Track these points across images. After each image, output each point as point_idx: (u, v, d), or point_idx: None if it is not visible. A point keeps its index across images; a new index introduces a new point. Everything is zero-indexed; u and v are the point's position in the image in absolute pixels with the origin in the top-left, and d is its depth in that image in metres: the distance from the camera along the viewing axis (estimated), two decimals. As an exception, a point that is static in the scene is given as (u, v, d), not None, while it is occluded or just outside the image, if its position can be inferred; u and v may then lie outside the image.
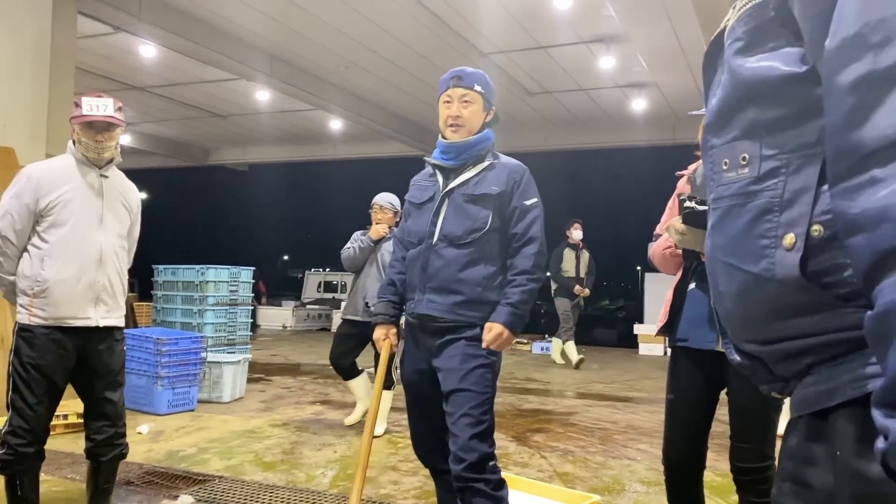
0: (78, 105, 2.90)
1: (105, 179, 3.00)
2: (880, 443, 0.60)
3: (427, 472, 2.94)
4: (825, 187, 0.75)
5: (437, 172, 2.70)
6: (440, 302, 2.53)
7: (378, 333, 2.74)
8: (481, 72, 2.68)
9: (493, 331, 2.47)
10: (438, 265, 2.55)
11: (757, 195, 0.84)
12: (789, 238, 0.79)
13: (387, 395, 5.35)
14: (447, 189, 2.61)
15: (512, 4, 8.35)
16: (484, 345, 2.48)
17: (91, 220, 2.94)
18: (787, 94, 0.80)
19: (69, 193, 2.91)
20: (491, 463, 2.45)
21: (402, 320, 2.83)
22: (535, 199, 2.63)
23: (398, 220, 5.27)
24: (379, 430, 5.26)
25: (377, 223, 5.24)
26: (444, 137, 2.66)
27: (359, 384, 5.42)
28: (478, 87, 2.63)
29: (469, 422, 2.42)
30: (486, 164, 2.63)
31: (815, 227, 0.78)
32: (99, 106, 2.88)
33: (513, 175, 2.61)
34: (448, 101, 2.63)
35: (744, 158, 0.86)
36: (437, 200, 2.62)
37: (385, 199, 5.27)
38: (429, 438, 2.73)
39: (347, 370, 5.35)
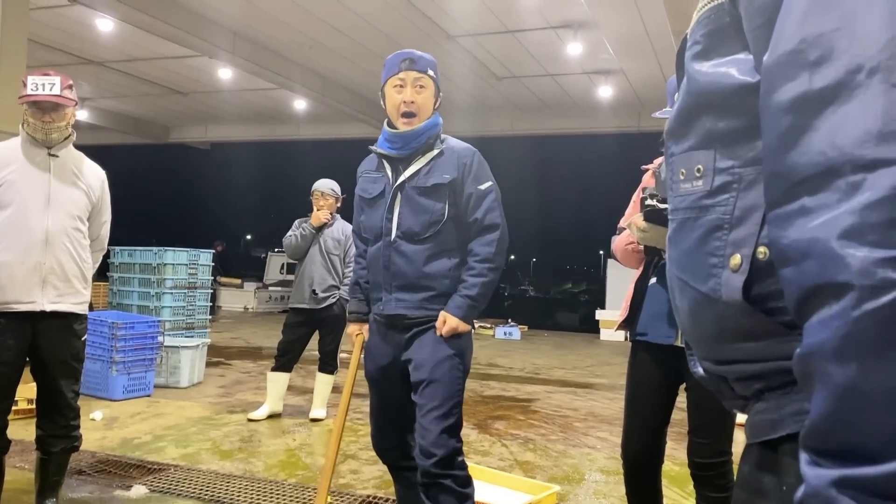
0: (24, 84, 2.77)
1: (54, 159, 2.88)
2: (799, 492, 0.58)
3: (386, 462, 2.91)
4: None
5: (385, 163, 2.58)
6: (409, 299, 2.47)
7: (352, 329, 2.77)
8: (431, 56, 2.57)
9: (448, 323, 2.43)
10: (401, 263, 2.47)
11: (709, 210, 0.80)
12: (735, 259, 0.76)
13: (328, 380, 5.35)
14: (398, 183, 2.51)
15: (480, -13, 8.27)
16: (437, 333, 2.44)
17: (36, 200, 2.82)
18: (741, 104, 0.76)
19: (14, 174, 2.80)
20: (459, 458, 2.41)
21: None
22: (489, 183, 2.54)
23: (339, 205, 5.22)
24: (321, 414, 5.28)
25: (318, 209, 5.18)
26: (392, 127, 2.54)
27: (281, 383, 5.34)
28: (430, 72, 2.52)
29: (439, 414, 2.37)
30: (435, 152, 2.52)
31: (762, 248, 0.73)
32: (45, 85, 2.74)
33: (462, 159, 2.51)
34: (400, 86, 2.48)
35: (698, 170, 0.82)
36: (389, 195, 2.52)
37: (326, 186, 5.21)
38: (390, 435, 2.68)
39: (288, 363, 5.30)
